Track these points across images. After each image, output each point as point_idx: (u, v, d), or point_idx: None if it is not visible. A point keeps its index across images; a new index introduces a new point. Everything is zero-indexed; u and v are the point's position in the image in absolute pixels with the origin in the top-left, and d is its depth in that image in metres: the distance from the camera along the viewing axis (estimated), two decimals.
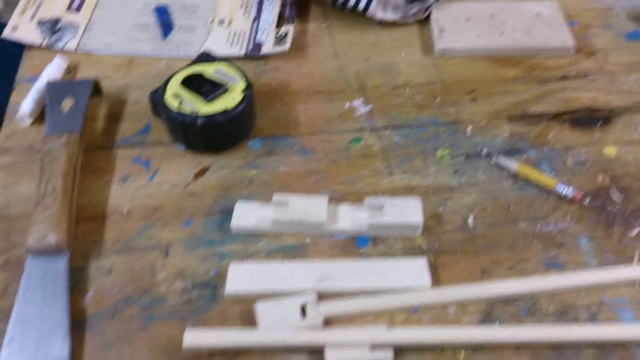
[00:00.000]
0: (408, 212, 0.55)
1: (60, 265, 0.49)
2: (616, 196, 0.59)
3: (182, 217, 0.56)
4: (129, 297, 0.50)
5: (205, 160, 0.61)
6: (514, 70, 0.72)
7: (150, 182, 0.59)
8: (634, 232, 0.56)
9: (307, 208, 0.54)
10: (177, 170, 0.60)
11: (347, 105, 0.68)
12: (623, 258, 0.54)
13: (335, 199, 0.58)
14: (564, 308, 0.50)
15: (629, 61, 0.73)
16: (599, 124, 0.66)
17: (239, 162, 0.61)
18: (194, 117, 0.57)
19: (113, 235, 0.54)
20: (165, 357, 0.47)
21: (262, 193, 0.58)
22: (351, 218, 0.55)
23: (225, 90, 0.60)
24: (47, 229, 0.49)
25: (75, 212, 0.54)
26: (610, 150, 0.63)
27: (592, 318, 0.49)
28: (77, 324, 0.48)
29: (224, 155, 0.61)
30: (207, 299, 0.50)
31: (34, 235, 0.49)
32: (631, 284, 0.52)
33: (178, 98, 0.59)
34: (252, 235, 0.55)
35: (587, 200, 0.58)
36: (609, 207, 0.58)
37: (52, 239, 0.49)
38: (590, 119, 0.66)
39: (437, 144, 0.64)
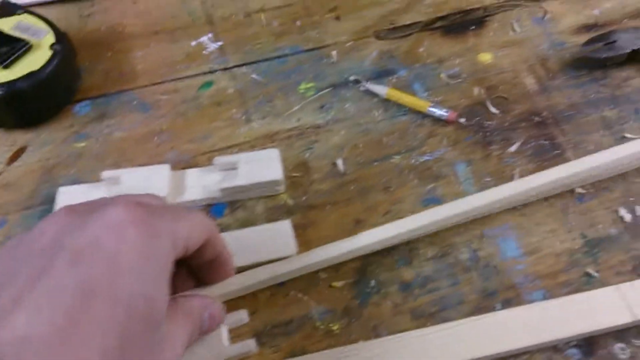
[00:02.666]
0: (265, 167, 0.47)
1: None
2: (493, 109, 0.53)
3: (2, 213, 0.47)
4: None
5: (20, 138, 0.51)
6: None
7: None
8: (513, 147, 0.51)
9: (144, 183, 0.46)
10: None
11: (193, 43, 0.59)
12: (503, 179, 0.49)
13: (184, 162, 0.50)
14: (443, 250, 0.45)
15: None
16: (473, 28, 0.60)
17: (63, 134, 0.52)
18: None
19: None
20: None
21: (95, 169, 0.49)
22: (201, 185, 0.47)
23: (28, 49, 0.49)
24: None
25: None
26: (486, 57, 0.57)
27: (474, 257, 0.45)
28: None
29: (44, 128, 0.52)
30: None
31: None
32: (513, 205, 0.47)
33: None
34: None
35: (462, 120, 0.53)
36: (486, 123, 0.53)
37: None
38: (462, 23, 0.60)
39: (299, 76, 0.56)
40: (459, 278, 0.44)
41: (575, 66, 0.57)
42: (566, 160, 0.50)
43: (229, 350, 0.38)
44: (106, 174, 0.46)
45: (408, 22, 0.60)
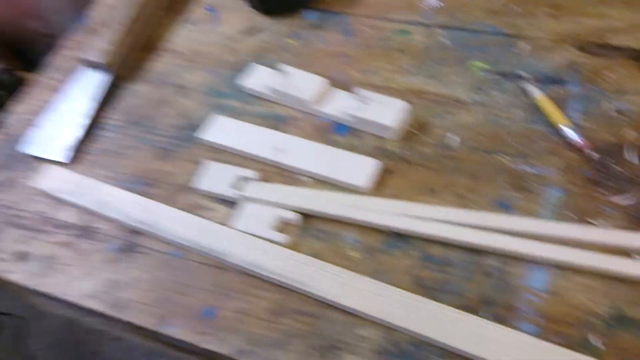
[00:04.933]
0: (389, 113, 0.56)
1: (102, 80, 0.63)
2: (630, 156, 0.51)
3: (214, 65, 0.65)
4: (138, 120, 0.63)
5: (260, 21, 0.68)
6: None
7: (208, 29, 0.69)
8: (619, 199, 0.49)
9: (301, 84, 0.59)
10: (234, 23, 0.68)
11: None
12: (585, 222, 0.49)
13: (343, 83, 0.61)
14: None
15: None
16: None
17: (287, 28, 0.66)
18: None
19: (157, 67, 0.67)
20: (132, 177, 0.59)
21: (290, 62, 0.62)
22: (337, 105, 0.58)
23: None
24: (102, 48, 0.63)
25: (141, 41, 0.67)
26: None
27: (499, 268, 0.48)
28: (95, 129, 0.63)
29: (278, 20, 0.67)
30: (188, 140, 0.60)
31: (91, 50, 0.63)
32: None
33: None
34: (254, 97, 0.62)
35: (592, 153, 0.52)
36: (614, 167, 0.51)
37: (101, 57, 0.63)
38: None
39: (480, 55, 0.60)
40: (474, 277, 0.48)
41: None
42: None
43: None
44: (282, 67, 0.60)
45: (620, 44, 0.58)
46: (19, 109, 0.66)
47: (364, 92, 0.57)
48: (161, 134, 0.61)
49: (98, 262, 0.54)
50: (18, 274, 0.55)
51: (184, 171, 0.58)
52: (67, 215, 0.57)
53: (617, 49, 0.58)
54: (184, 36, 0.69)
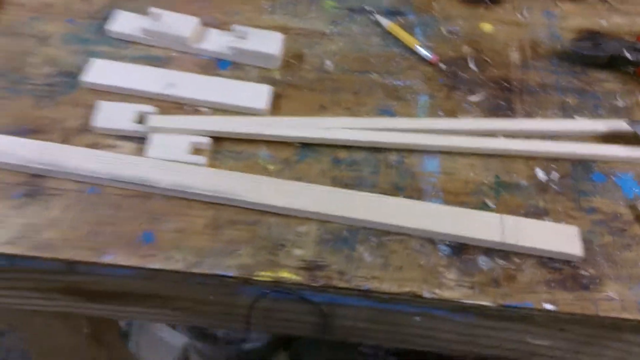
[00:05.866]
0: (268, 43, 0.60)
1: None
2: (473, 65, 0.63)
3: (68, 15, 0.62)
4: (1, 74, 0.57)
5: None
6: None
7: None
8: (474, 97, 0.60)
9: (176, 23, 0.59)
10: None
11: None
12: (452, 117, 0.59)
13: (212, 25, 0.63)
14: (376, 149, 0.56)
15: None
16: (488, 2, 0.69)
17: None
18: None
19: (5, 20, 0.61)
20: (14, 126, 0.54)
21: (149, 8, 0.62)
22: (216, 41, 0.60)
23: None
24: None
25: None
26: (486, 27, 0.67)
27: (400, 160, 0.55)
28: None
29: None
30: (67, 86, 0.57)
31: None
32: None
33: None
34: (125, 42, 0.60)
35: (442, 65, 0.62)
36: (461, 74, 0.62)
37: None
38: None
39: None
40: (380, 170, 0.55)
41: (560, 57, 0.65)
42: None
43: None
44: (153, 9, 0.60)
45: None
46: None
47: (240, 28, 0.60)
48: (34, 83, 0.57)
49: (4, 209, 0.48)
50: None
51: (72, 115, 0.54)
52: None
53: None
54: None
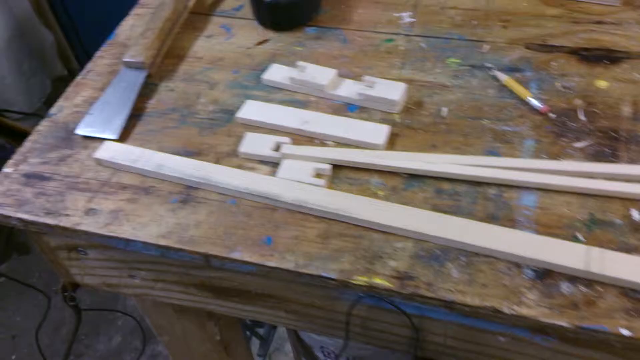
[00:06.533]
0: (392, 91, 0.70)
1: (140, 77, 0.74)
2: (582, 115, 0.68)
3: (234, 67, 0.77)
4: (175, 108, 0.73)
5: (269, 34, 0.81)
6: (556, 10, 0.81)
7: (224, 41, 0.81)
8: (579, 144, 0.65)
9: (317, 74, 0.72)
10: (246, 37, 0.81)
11: (395, 14, 0.83)
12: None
13: (347, 76, 0.74)
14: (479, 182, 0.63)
15: None
16: (607, 62, 0.73)
17: (292, 39, 0.80)
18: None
19: (184, 69, 0.78)
20: (182, 148, 0.69)
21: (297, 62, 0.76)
22: (348, 89, 0.72)
23: None
24: (139, 52, 0.74)
25: (165, 49, 0.78)
26: (602, 83, 0.71)
27: (498, 194, 0.61)
28: (136, 116, 0.72)
29: (284, 34, 0.81)
30: (224, 120, 0.71)
31: (130, 53, 0.74)
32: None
33: None
34: (276, 88, 0.74)
35: (552, 114, 0.68)
36: (570, 124, 0.67)
37: (140, 58, 0.73)
38: (600, 57, 0.74)
39: (452, 53, 0.76)
40: (479, 201, 0.61)
41: None
42: None
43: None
44: (300, 63, 0.74)
45: (557, 44, 0.76)
46: (66, 103, 0.75)
47: (370, 78, 0.71)
48: (200, 117, 0.72)
49: (163, 211, 0.62)
50: (88, 225, 0.61)
51: (225, 142, 0.68)
52: (126, 179, 0.65)
53: (555, 47, 0.76)
54: (204, 46, 0.81)
